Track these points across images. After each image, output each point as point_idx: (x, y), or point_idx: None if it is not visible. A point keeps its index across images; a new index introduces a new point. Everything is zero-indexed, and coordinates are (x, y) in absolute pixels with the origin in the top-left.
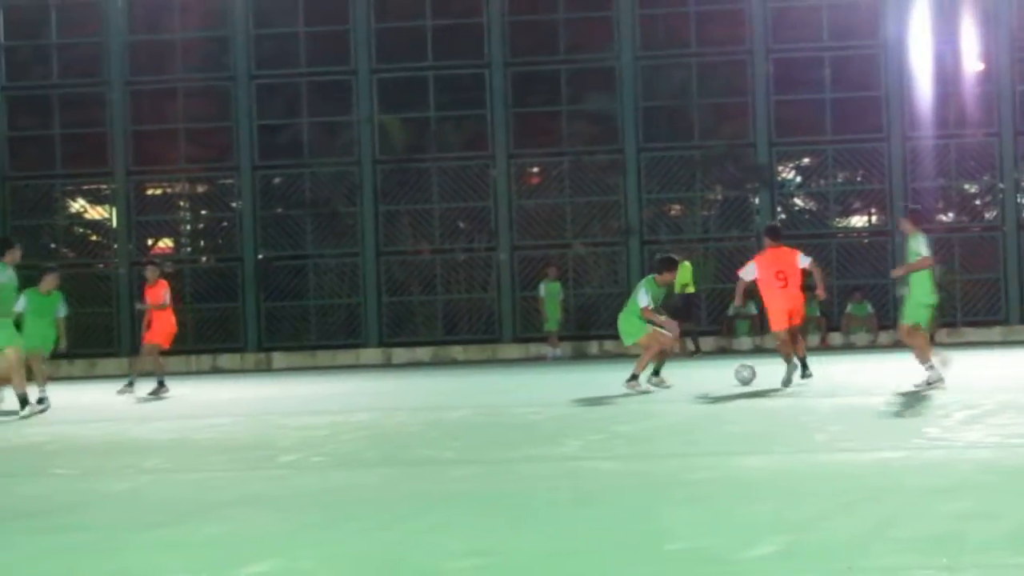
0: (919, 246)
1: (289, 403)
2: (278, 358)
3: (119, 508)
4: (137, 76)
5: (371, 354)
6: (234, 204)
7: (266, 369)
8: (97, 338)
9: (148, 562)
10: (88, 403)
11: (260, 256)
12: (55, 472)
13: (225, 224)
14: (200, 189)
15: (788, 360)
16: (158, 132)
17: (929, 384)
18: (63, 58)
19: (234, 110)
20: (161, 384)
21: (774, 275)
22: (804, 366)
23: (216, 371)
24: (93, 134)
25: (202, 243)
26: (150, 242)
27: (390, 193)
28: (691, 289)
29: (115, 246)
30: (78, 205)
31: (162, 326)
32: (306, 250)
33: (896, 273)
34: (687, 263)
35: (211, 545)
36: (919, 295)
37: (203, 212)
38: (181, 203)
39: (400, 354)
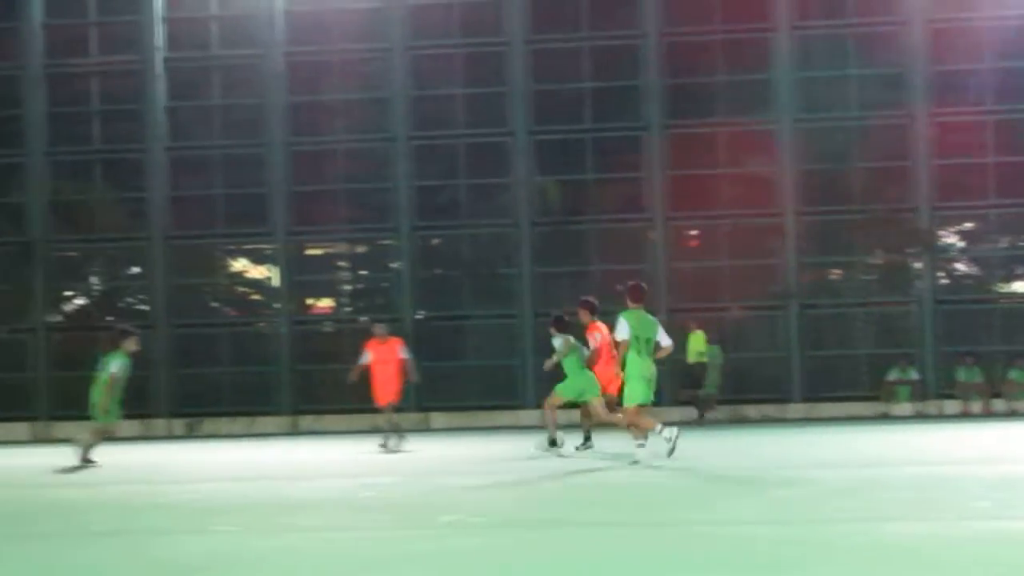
0: (619, 327)
1: (448, 463)
2: (437, 418)
3: (278, 566)
4: (297, 137)
5: (530, 415)
6: (393, 264)
7: (425, 429)
8: (257, 396)
9: None
10: (247, 460)
11: (418, 316)
12: (215, 529)
13: (384, 284)
14: (359, 249)
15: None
16: (318, 193)
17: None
18: (225, 119)
19: (393, 171)
20: (386, 440)
21: (602, 347)
22: (587, 437)
23: (376, 431)
24: (254, 194)
25: (361, 303)
26: (309, 302)
27: (547, 255)
28: (704, 358)
29: (275, 305)
30: (239, 264)
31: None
32: (464, 311)
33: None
34: (700, 332)
35: None
36: (631, 372)
37: (362, 272)
38: (341, 263)
39: (559, 415)
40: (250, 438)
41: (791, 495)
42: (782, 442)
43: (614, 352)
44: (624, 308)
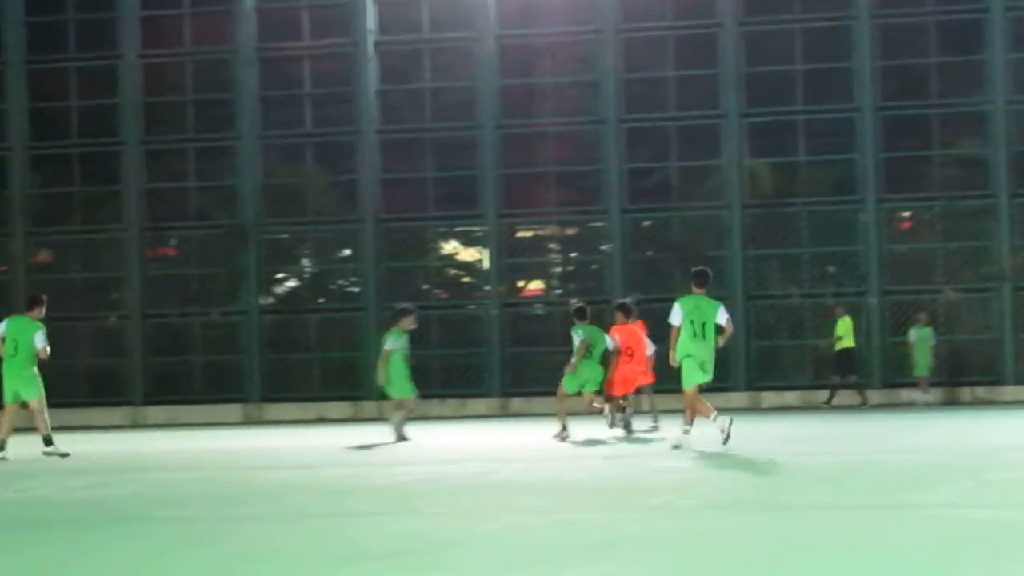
0: (672, 313)
1: (657, 445)
2: (644, 402)
3: (488, 548)
4: (507, 120)
5: (739, 397)
6: (603, 247)
7: (636, 411)
8: (467, 378)
9: None
10: (457, 443)
11: (628, 298)
12: (425, 512)
13: (594, 267)
14: (569, 232)
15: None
16: (528, 175)
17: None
18: (436, 101)
19: (603, 153)
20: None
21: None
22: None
23: (588, 412)
24: (465, 177)
25: (571, 285)
26: (520, 284)
27: (758, 237)
28: (849, 343)
29: (486, 287)
30: (450, 247)
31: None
32: (674, 293)
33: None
34: (847, 317)
35: None
36: (682, 355)
37: (572, 254)
38: (551, 245)
39: (769, 398)
40: (460, 420)
41: (1005, 478)
42: (995, 425)
43: (638, 355)
44: (687, 292)
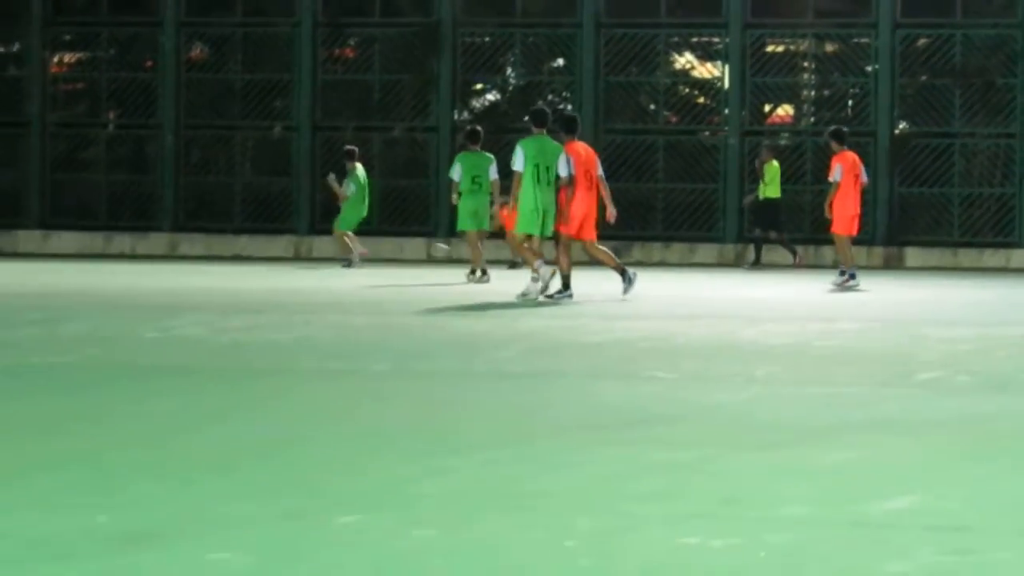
0: (515, 157)
1: (925, 309)
2: (912, 255)
3: (725, 423)
4: None
5: (1019, 254)
6: (869, 68)
7: (896, 267)
8: (698, 219)
9: (762, 488)
10: (685, 295)
11: (897, 131)
12: (651, 375)
13: (855, 91)
14: (829, 48)
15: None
16: None
17: (524, 295)
18: None
19: None
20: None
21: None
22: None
23: (833, 266)
24: None
25: (827, 113)
26: (767, 108)
27: None
28: (774, 193)
29: (725, 111)
30: (684, 61)
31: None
32: (952, 127)
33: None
34: (775, 162)
35: (837, 474)
36: (523, 203)
37: (831, 75)
38: (806, 64)
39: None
40: (686, 268)
41: None
42: None
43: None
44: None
